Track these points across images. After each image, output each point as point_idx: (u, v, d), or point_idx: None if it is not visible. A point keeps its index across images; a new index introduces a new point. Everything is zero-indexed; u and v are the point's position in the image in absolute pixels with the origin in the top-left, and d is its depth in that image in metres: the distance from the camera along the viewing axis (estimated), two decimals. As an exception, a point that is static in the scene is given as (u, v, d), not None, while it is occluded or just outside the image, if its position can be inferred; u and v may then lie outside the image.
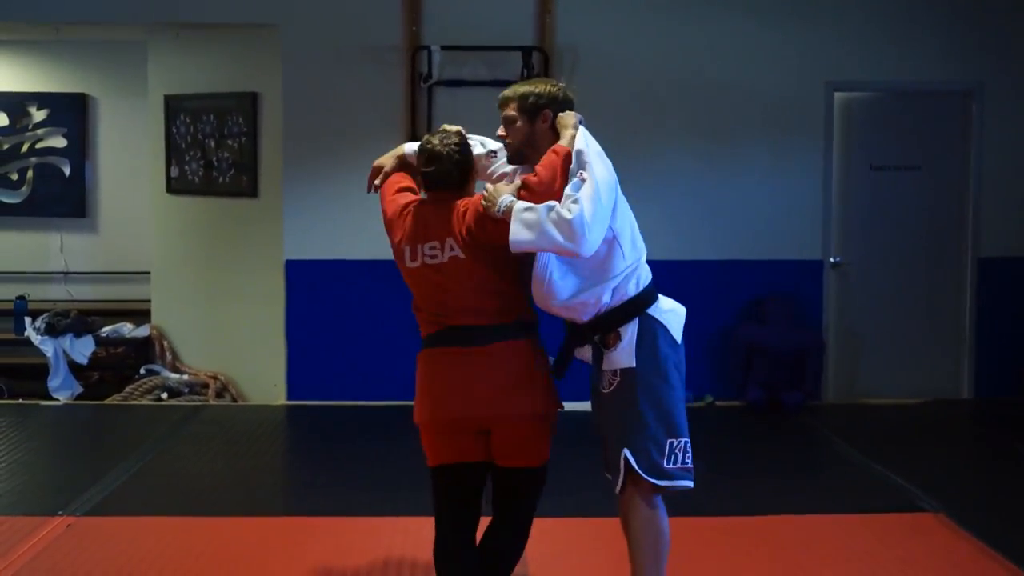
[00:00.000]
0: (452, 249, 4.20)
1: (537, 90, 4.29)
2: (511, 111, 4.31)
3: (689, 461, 4.18)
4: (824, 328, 9.08)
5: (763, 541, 5.72)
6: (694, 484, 4.22)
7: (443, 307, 4.26)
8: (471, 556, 4.32)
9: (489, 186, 4.18)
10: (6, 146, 11.54)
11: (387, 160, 4.61)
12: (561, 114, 4.28)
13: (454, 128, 4.47)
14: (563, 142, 4.17)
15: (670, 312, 4.26)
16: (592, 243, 3.95)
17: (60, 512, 6.02)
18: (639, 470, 4.11)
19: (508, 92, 4.36)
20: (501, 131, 4.38)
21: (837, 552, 5.57)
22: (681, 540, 5.59)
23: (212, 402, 9.24)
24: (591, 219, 3.92)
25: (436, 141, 4.36)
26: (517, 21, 8.78)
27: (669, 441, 4.14)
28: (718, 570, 5.28)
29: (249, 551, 5.51)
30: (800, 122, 8.99)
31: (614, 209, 4.11)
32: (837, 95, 9.05)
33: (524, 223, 3.96)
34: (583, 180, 4.00)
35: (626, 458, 4.11)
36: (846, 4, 8.96)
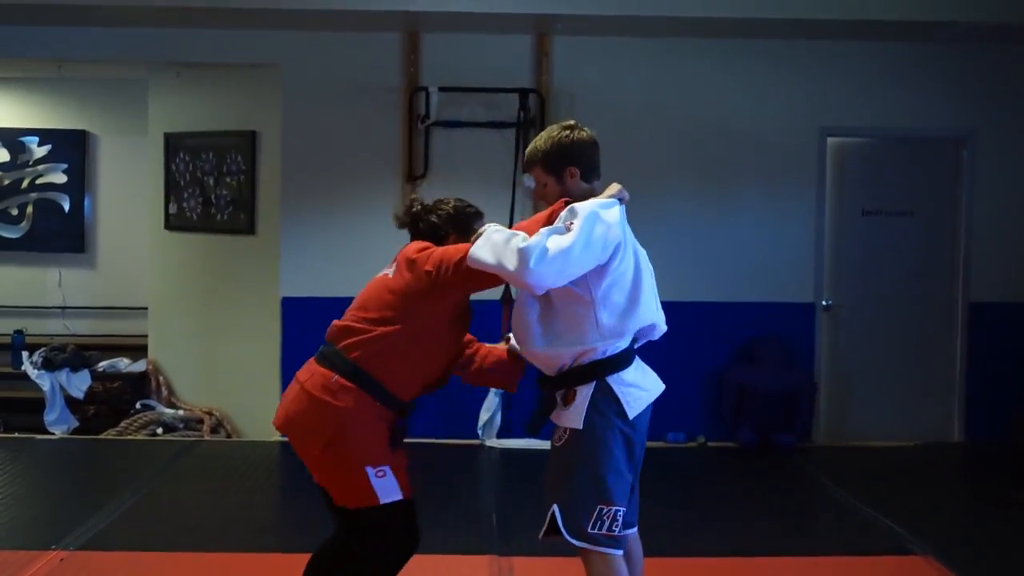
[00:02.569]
0: (388, 267, 4.32)
1: (551, 148, 4.25)
2: (538, 174, 4.28)
3: (616, 530, 4.12)
4: (816, 370, 9.08)
5: (754, 582, 5.71)
6: (620, 552, 4.16)
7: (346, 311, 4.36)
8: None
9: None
10: (6, 181, 11.57)
11: None
12: (611, 185, 4.25)
13: (452, 199, 4.49)
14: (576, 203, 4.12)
15: (631, 387, 4.16)
16: (538, 277, 3.86)
17: (54, 546, 6.00)
18: (562, 527, 4.11)
19: (528, 153, 4.35)
20: (536, 192, 4.36)
21: (827, 594, 5.57)
22: (672, 580, 5.62)
23: (207, 437, 9.23)
24: (545, 254, 3.85)
25: (414, 205, 4.50)
26: (514, 63, 8.83)
27: (599, 507, 4.10)
28: (709, 610, 5.27)
29: (242, 587, 5.50)
30: (793, 166, 9.03)
31: (604, 277, 4.06)
32: (830, 140, 9.10)
33: (488, 241, 3.96)
34: (567, 228, 3.97)
35: (552, 513, 4.12)
36: (840, 51, 9.01)
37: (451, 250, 4.13)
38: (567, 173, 4.22)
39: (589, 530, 4.10)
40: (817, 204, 9.06)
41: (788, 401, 8.78)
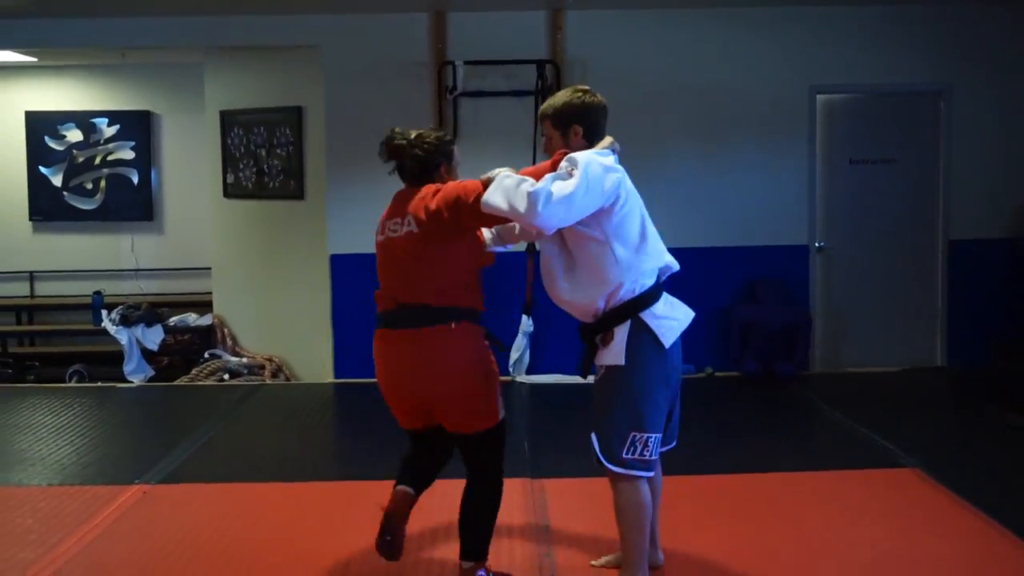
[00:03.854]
0: (409, 225, 4.21)
1: (564, 105, 4.26)
2: (547, 127, 4.30)
3: (648, 455, 4.16)
4: (811, 306, 9.06)
5: (759, 495, 5.72)
6: (651, 474, 4.23)
7: (391, 281, 4.28)
8: (423, 465, 4.49)
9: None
10: (81, 159, 11.61)
11: None
12: (605, 138, 4.26)
13: (429, 130, 4.42)
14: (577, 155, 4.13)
15: (663, 319, 4.18)
16: (546, 219, 3.87)
17: (137, 481, 6.08)
18: (598, 453, 4.16)
19: (544, 107, 4.34)
20: (544, 147, 4.36)
21: (825, 504, 5.57)
22: (686, 496, 5.65)
23: (268, 381, 9.29)
24: (551, 198, 3.86)
25: (388, 138, 4.37)
26: (531, 37, 8.78)
27: (632, 434, 4.13)
28: (720, 521, 5.28)
29: (304, 512, 5.54)
30: (786, 122, 8.97)
31: (613, 215, 4.08)
32: (819, 97, 9.02)
33: (500, 187, 3.96)
34: (569, 174, 3.99)
35: (592, 441, 4.17)
36: (827, 15, 8.91)
37: (463, 193, 4.11)
38: (572, 130, 4.24)
39: (623, 455, 4.14)
40: (808, 155, 9.01)
41: (787, 334, 8.77)
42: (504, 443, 4.41)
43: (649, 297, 4.17)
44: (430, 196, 4.20)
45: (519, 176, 4.02)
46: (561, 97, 4.30)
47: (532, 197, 3.85)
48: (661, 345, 4.15)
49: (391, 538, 4.28)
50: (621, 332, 4.14)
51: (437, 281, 4.18)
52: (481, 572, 4.37)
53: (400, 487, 4.40)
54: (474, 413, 4.27)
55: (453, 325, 4.17)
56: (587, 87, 4.33)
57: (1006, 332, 9.08)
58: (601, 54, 8.80)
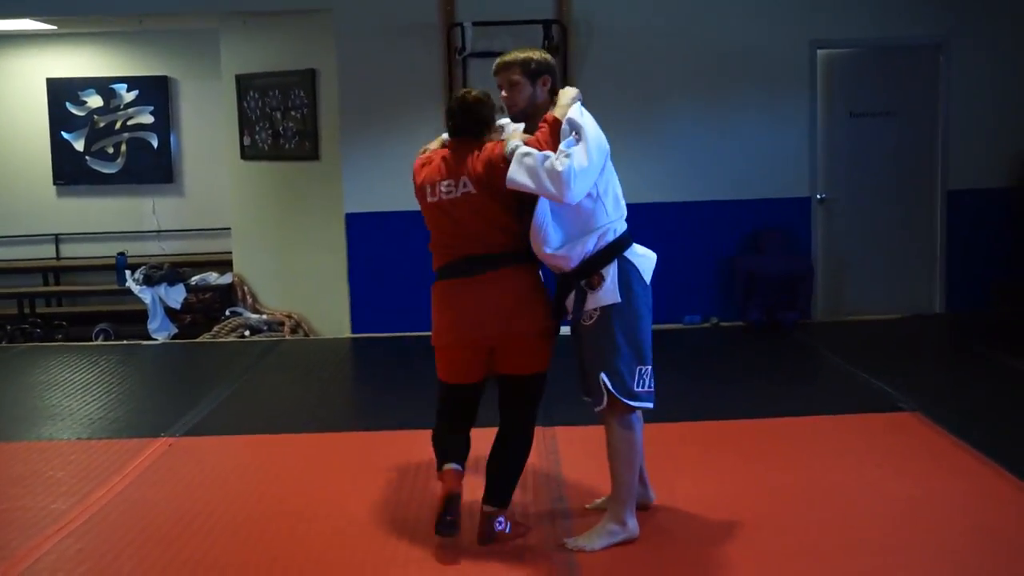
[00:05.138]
0: (465, 186, 4.26)
1: (536, 57, 4.33)
2: (515, 75, 4.31)
3: (651, 385, 4.26)
4: (813, 256, 9.04)
5: (764, 439, 5.74)
6: (654, 405, 4.30)
7: (455, 239, 4.31)
8: (462, 438, 4.47)
9: (508, 130, 4.35)
10: (102, 124, 11.60)
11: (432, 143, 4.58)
12: (563, 90, 4.32)
13: (478, 90, 4.47)
14: (556, 112, 4.21)
15: (643, 256, 4.31)
16: (576, 193, 4.01)
17: (162, 434, 6.12)
18: (614, 391, 4.19)
19: (508, 58, 4.36)
20: (504, 93, 4.37)
21: (828, 447, 5.59)
22: (688, 441, 5.69)
23: (288, 337, 9.32)
24: (578, 172, 3.99)
25: (456, 97, 4.45)
26: (538, -2, 8.74)
27: (638, 368, 4.21)
28: (722, 465, 5.30)
29: (324, 462, 5.58)
30: (788, 77, 8.91)
31: (602, 171, 4.16)
32: (820, 52, 8.95)
33: (523, 165, 4.05)
34: (577, 140, 4.06)
35: (603, 382, 4.19)
36: (827, -29, 8.88)
37: (495, 156, 4.22)
38: (540, 80, 4.30)
39: (635, 388, 4.21)
40: (810, 109, 8.95)
41: (790, 284, 8.76)
42: (544, 393, 4.48)
43: (626, 239, 4.29)
44: (475, 159, 4.28)
45: (536, 151, 4.07)
46: (526, 51, 4.36)
47: (563, 177, 3.97)
48: (645, 281, 4.27)
49: (451, 518, 4.29)
50: (611, 272, 4.21)
51: (499, 234, 4.27)
52: (501, 519, 4.38)
53: (448, 466, 4.39)
54: (537, 353, 4.36)
55: (519, 266, 4.28)
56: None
57: (1003, 279, 9.06)
58: (606, 14, 8.73)
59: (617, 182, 4.32)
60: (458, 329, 4.34)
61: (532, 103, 4.30)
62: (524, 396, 4.41)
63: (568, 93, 4.29)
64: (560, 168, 3.97)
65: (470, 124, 4.37)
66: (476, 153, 4.28)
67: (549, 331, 4.37)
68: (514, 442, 4.41)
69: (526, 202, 4.22)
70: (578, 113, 4.16)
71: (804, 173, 9.00)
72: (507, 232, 4.28)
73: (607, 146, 4.18)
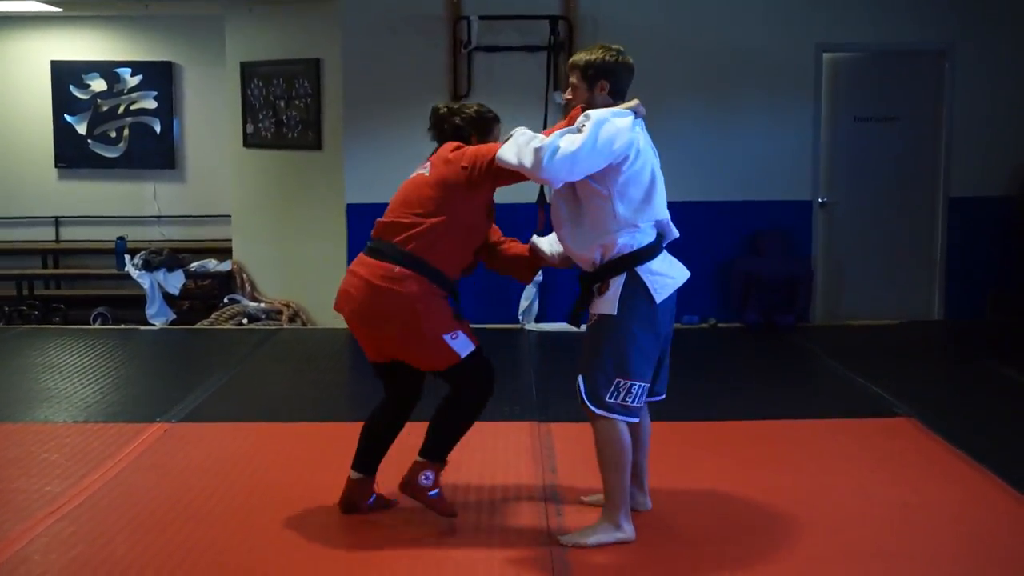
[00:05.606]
0: (423, 168, 4.36)
1: (596, 60, 4.26)
2: (574, 78, 4.30)
3: (631, 402, 4.20)
4: (813, 259, 9.04)
5: (760, 442, 5.74)
6: (633, 419, 4.26)
7: (386, 215, 4.38)
8: (381, 435, 4.59)
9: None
10: (105, 108, 11.60)
11: None
12: (631, 101, 4.27)
13: (475, 104, 4.56)
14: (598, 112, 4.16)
15: (659, 275, 4.22)
16: (552, 172, 3.97)
17: (158, 419, 6.11)
18: (583, 394, 4.20)
19: (574, 58, 4.35)
20: (568, 94, 4.37)
21: (823, 451, 5.59)
22: (684, 442, 5.68)
23: (285, 326, 9.32)
24: (559, 153, 3.95)
25: (440, 108, 4.53)
26: (545, -7, 8.73)
27: (617, 380, 4.17)
28: (716, 467, 5.30)
29: (319, 452, 5.58)
30: (793, 80, 8.92)
31: (622, 172, 4.11)
32: (825, 55, 8.96)
33: (514, 143, 4.07)
34: (579, 130, 4.04)
35: (578, 383, 4.22)
36: (833, -25, 8.87)
37: (482, 149, 4.24)
38: (598, 85, 4.25)
39: (607, 399, 4.19)
40: (814, 112, 8.96)
41: (789, 286, 8.77)
42: (479, 374, 4.39)
43: (646, 253, 4.21)
44: (449, 149, 4.33)
45: (532, 134, 4.09)
46: (594, 52, 4.29)
47: (539, 152, 3.95)
48: (653, 300, 4.20)
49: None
50: (616, 283, 4.18)
51: (411, 221, 4.26)
52: (429, 474, 4.38)
53: (352, 474, 4.56)
54: (424, 355, 4.34)
55: (397, 269, 4.23)
56: (620, 47, 4.33)
57: (1002, 287, 9.07)
58: (612, 11, 8.73)
59: (651, 195, 4.22)
60: (338, 304, 4.46)
61: (590, 105, 4.24)
62: (451, 382, 4.41)
63: (628, 103, 4.25)
64: (538, 145, 3.97)
65: (442, 134, 4.47)
66: (457, 146, 4.34)
67: (428, 339, 4.27)
68: (453, 400, 4.41)
69: (464, 219, 4.27)
70: (604, 113, 4.09)
71: (806, 176, 9.00)
72: (418, 226, 4.23)
73: (620, 149, 4.07)
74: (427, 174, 4.31)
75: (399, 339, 4.31)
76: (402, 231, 4.27)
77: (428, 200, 4.25)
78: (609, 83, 4.25)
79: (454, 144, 4.37)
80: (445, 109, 4.52)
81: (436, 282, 4.27)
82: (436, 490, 4.40)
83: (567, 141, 3.98)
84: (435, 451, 4.41)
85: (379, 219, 4.42)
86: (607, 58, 4.26)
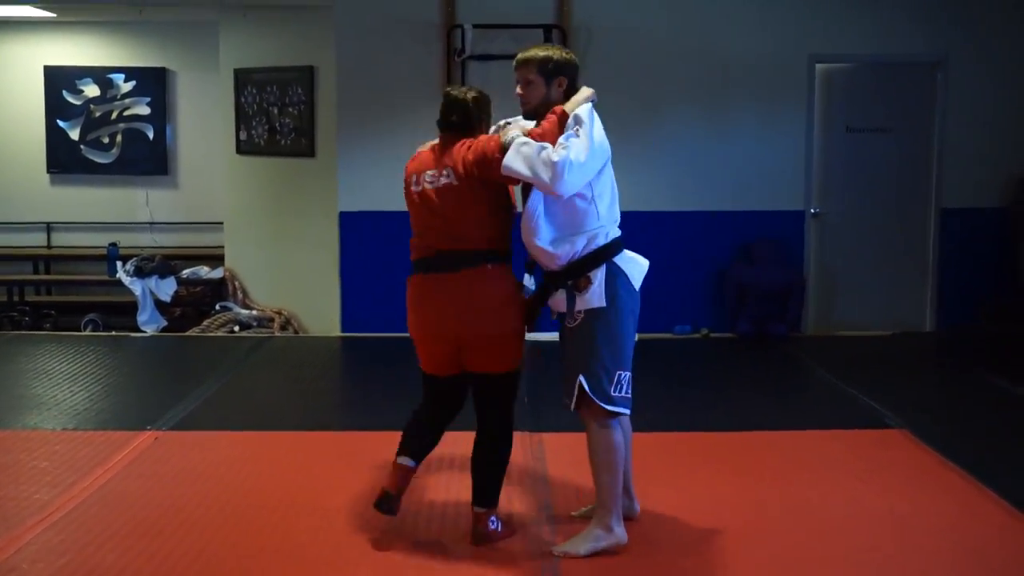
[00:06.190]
0: (447, 177, 4.28)
1: (555, 56, 4.30)
2: (531, 74, 4.30)
3: (628, 392, 4.25)
4: (805, 269, 9.05)
5: (751, 452, 5.73)
6: (630, 412, 4.30)
7: (430, 230, 4.32)
8: (432, 433, 4.54)
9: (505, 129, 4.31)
10: (98, 113, 11.57)
11: None
12: (581, 88, 4.29)
13: (474, 89, 4.52)
14: (567, 107, 4.22)
15: (632, 262, 4.30)
16: (568, 186, 4.01)
17: (149, 427, 6.09)
18: (590, 394, 4.19)
19: (527, 54, 4.35)
20: (519, 90, 4.36)
21: (815, 461, 5.59)
22: (674, 451, 5.68)
23: (277, 334, 9.31)
24: (573, 165, 3.99)
25: (446, 92, 4.47)
26: (539, 1, 8.71)
27: (617, 373, 4.20)
28: (707, 477, 5.29)
29: (310, 460, 5.57)
30: (785, 90, 8.92)
31: (600, 174, 4.17)
32: (818, 66, 8.97)
33: (519, 153, 4.07)
34: (577, 135, 4.07)
35: (580, 383, 4.19)
36: (827, -15, 8.90)
37: (488, 151, 4.20)
38: (556, 81, 4.29)
39: (612, 392, 4.20)
40: (806, 123, 8.97)
41: (781, 296, 8.76)
42: (518, 390, 4.48)
43: (617, 245, 4.28)
44: (466, 150, 4.29)
45: (534, 142, 4.09)
46: (547, 49, 4.34)
47: (558, 167, 3.98)
48: (633, 288, 4.27)
49: (386, 508, 4.42)
50: (598, 276, 4.20)
51: (473, 228, 4.27)
52: (494, 519, 4.42)
53: (400, 460, 4.46)
54: (503, 352, 4.34)
55: (489, 266, 4.27)
56: (564, 47, 4.38)
57: (994, 299, 9.08)
58: (606, 20, 8.74)
59: (614, 188, 4.31)
60: (428, 325, 4.38)
61: (546, 103, 4.28)
62: (494, 395, 4.41)
63: (583, 93, 4.29)
64: (556, 158, 3.98)
65: (453, 120, 4.39)
66: (468, 145, 4.29)
67: (517, 332, 4.37)
68: (491, 442, 4.43)
69: (503, 201, 4.28)
70: (586, 112, 4.16)
71: (799, 186, 9.00)
72: (481, 227, 4.27)
73: (608, 150, 4.19)
74: (455, 183, 4.25)
75: (489, 328, 4.27)
76: (470, 240, 4.27)
77: (467, 209, 4.25)
78: (567, 79, 4.29)
79: (467, 144, 4.29)
80: (460, 93, 4.44)
81: (510, 265, 4.37)
82: (500, 523, 4.47)
83: (576, 150, 4.01)
84: (489, 497, 4.44)
85: (420, 242, 4.39)
86: (564, 55, 4.32)
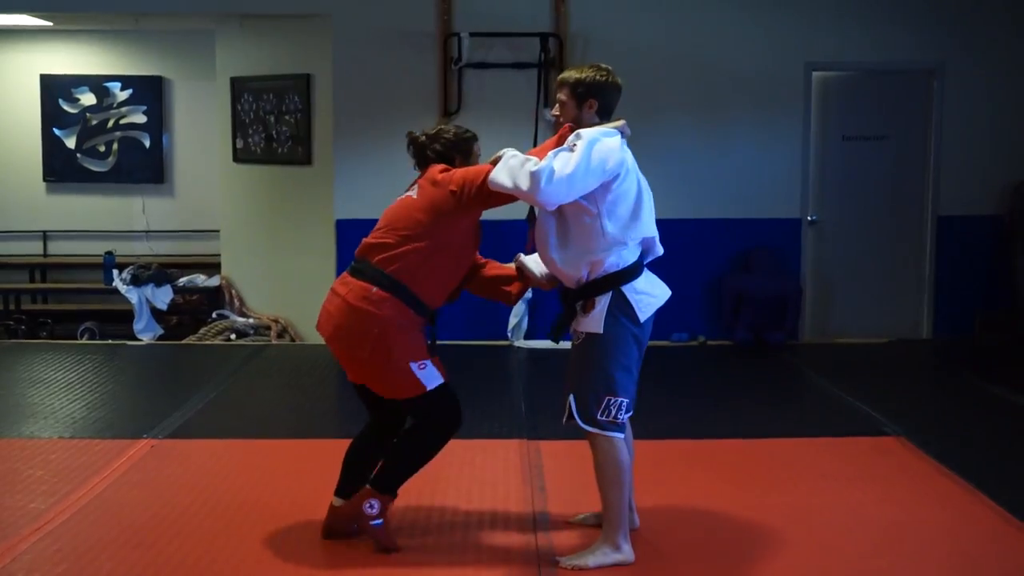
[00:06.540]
0: (411, 191, 4.33)
1: (586, 78, 4.27)
2: (563, 95, 4.31)
3: (621, 418, 4.23)
4: (802, 277, 9.05)
5: (748, 460, 5.74)
6: (622, 436, 4.27)
7: (370, 236, 4.34)
8: (363, 457, 4.50)
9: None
10: (94, 122, 11.57)
11: None
12: (617, 121, 4.28)
13: (451, 127, 4.54)
14: (583, 130, 4.16)
15: (644, 295, 4.25)
16: (549, 195, 3.98)
17: (145, 435, 6.08)
18: (574, 413, 4.22)
19: (563, 75, 4.36)
20: (555, 111, 4.38)
21: (812, 469, 5.59)
22: (672, 460, 5.67)
23: (274, 342, 9.30)
24: (556, 175, 3.95)
25: (418, 137, 4.49)
26: (536, 10, 8.73)
27: (607, 398, 4.19)
28: (705, 486, 5.29)
29: (307, 468, 5.55)
30: (782, 98, 8.94)
31: (608, 191, 4.12)
32: (815, 74, 8.99)
33: (506, 166, 4.08)
34: (571, 149, 4.05)
35: (569, 401, 4.23)
36: (824, -6, 8.92)
37: (471, 172, 4.20)
38: (587, 103, 4.27)
39: (598, 417, 4.21)
40: (803, 131, 8.99)
41: (778, 304, 8.77)
42: (442, 410, 4.34)
43: (631, 272, 4.23)
44: (437, 171, 4.29)
45: (523, 156, 4.10)
46: (585, 70, 4.31)
47: (536, 176, 3.96)
48: (637, 318, 4.22)
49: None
50: (602, 302, 4.19)
51: (400, 247, 4.21)
52: (373, 502, 4.32)
53: (334, 500, 4.49)
54: (390, 382, 4.29)
55: (375, 290, 4.19)
56: (609, 67, 4.34)
57: (990, 306, 9.09)
58: (602, 29, 8.75)
59: (636, 212, 4.22)
60: (319, 323, 4.41)
61: (578, 123, 4.26)
62: (414, 414, 4.38)
63: (615, 123, 4.26)
64: (535, 168, 3.97)
65: (421, 159, 4.45)
66: (437, 167, 4.32)
67: (380, 364, 4.23)
68: (411, 433, 4.39)
69: (443, 243, 4.24)
70: (592, 132, 4.11)
71: (796, 194, 9.02)
72: (400, 246, 4.20)
73: (615, 171, 4.11)
74: (415, 196, 4.27)
75: (368, 362, 4.25)
76: (385, 252, 4.23)
77: (416, 223, 4.21)
78: (598, 101, 4.27)
79: (441, 166, 4.33)
80: (423, 136, 4.46)
81: (413, 308, 4.23)
82: (380, 520, 4.34)
83: (561, 162, 3.99)
84: (385, 481, 4.35)
85: (365, 239, 4.38)
86: (597, 77, 4.28)
